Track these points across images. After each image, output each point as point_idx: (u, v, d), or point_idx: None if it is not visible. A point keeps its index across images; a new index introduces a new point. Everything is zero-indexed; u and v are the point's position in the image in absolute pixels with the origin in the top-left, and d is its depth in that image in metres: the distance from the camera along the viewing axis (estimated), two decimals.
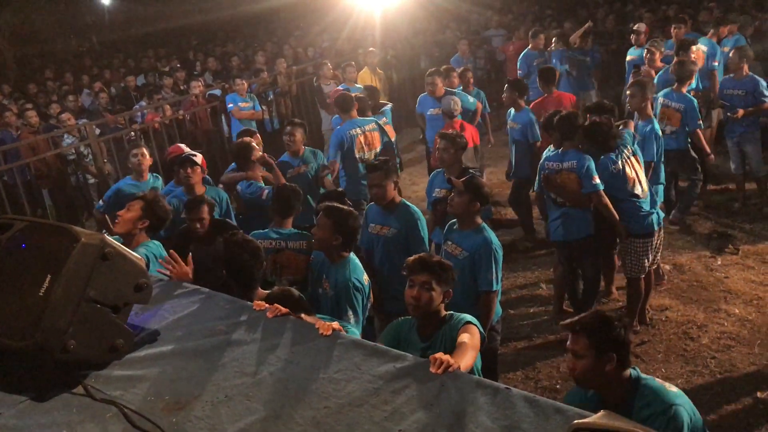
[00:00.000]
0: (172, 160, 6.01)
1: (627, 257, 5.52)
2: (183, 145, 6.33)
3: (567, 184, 5.40)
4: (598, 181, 5.26)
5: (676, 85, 6.99)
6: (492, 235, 4.41)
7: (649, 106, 6.31)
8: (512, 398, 2.01)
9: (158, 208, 4.39)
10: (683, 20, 9.51)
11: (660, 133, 6.17)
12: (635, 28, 9.49)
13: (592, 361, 2.76)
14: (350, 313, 3.98)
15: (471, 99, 8.03)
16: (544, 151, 5.76)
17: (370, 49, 11.01)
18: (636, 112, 6.32)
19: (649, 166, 5.99)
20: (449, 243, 4.60)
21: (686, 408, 2.71)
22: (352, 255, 4.18)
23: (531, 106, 7.59)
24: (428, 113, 8.00)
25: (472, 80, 8.94)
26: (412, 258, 3.42)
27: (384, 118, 7.59)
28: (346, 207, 4.28)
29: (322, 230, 4.09)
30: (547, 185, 5.54)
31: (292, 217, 4.93)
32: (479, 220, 4.52)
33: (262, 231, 4.86)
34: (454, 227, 4.63)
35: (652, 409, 2.73)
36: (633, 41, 9.29)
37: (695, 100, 7.01)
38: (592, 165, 5.27)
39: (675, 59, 7.78)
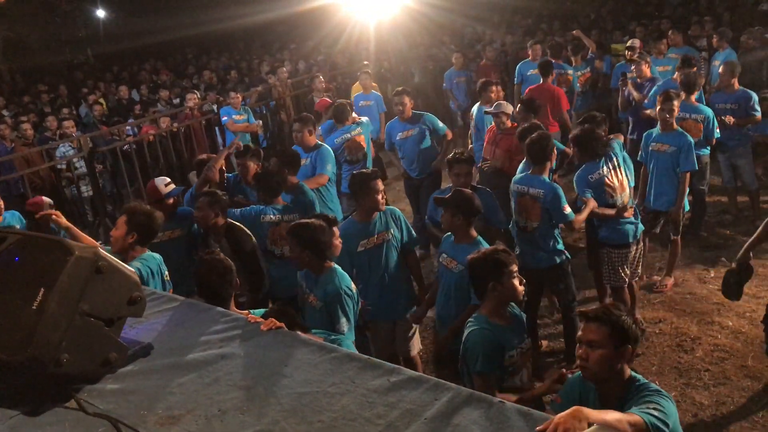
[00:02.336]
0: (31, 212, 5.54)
1: (603, 266, 5.55)
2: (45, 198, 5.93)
3: (529, 210, 5.25)
4: (569, 210, 5.16)
5: (685, 95, 6.90)
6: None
7: (674, 117, 6.29)
8: (506, 412, 2.01)
9: (140, 217, 4.33)
10: (664, 36, 9.66)
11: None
12: (629, 44, 9.53)
13: (610, 352, 2.76)
14: (343, 320, 4.03)
15: None
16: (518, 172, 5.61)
17: (364, 62, 11.07)
18: (660, 123, 6.31)
19: (689, 176, 6.11)
20: (444, 256, 4.62)
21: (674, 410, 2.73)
22: (336, 265, 4.26)
23: (525, 92, 7.74)
24: (397, 138, 7.49)
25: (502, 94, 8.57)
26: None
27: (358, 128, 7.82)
28: (308, 221, 4.33)
29: (292, 251, 4.24)
30: (515, 207, 5.40)
31: (280, 194, 5.37)
32: (473, 232, 4.54)
33: (259, 207, 5.34)
34: (450, 240, 4.65)
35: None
36: (628, 56, 9.27)
37: (711, 110, 7.01)
38: (561, 193, 5.14)
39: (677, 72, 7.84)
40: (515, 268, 3.58)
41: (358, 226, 4.94)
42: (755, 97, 7.34)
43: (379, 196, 4.87)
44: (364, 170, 5.22)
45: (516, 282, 3.57)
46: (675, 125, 6.27)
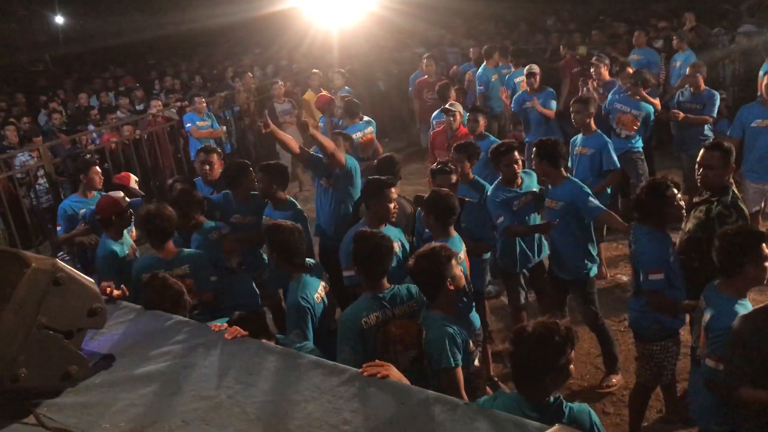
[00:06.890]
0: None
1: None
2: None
3: None
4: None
5: (631, 92, 7.20)
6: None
7: (592, 121, 6.49)
8: (472, 413, 2.02)
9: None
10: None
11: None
12: (527, 71, 8.67)
13: None
14: (296, 331, 3.99)
15: None
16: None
17: (314, 70, 10.96)
18: (581, 128, 6.51)
19: (616, 176, 6.30)
20: None
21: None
22: (304, 274, 4.20)
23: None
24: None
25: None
26: None
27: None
28: (284, 223, 4.32)
29: (267, 250, 4.42)
30: None
31: None
32: (451, 231, 4.50)
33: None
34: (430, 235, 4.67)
35: None
36: (527, 84, 8.65)
37: (652, 108, 7.26)
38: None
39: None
40: (454, 262, 3.56)
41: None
42: (717, 98, 7.56)
43: (392, 205, 4.68)
44: (380, 177, 4.91)
45: (458, 271, 3.57)
46: (593, 127, 6.47)
